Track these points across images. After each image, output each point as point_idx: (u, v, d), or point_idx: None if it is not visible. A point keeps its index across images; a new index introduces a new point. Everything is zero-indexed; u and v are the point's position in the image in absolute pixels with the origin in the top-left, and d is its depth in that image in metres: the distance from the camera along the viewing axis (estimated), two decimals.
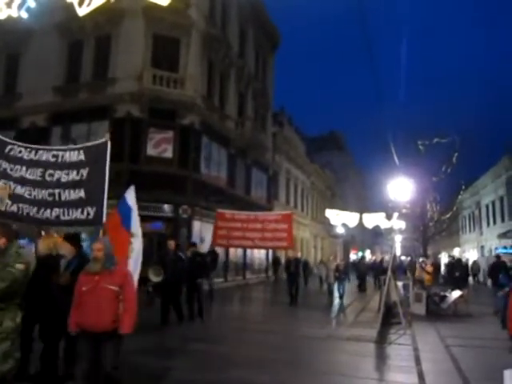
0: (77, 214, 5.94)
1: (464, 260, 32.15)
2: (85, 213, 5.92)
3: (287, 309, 13.88)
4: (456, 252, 50.15)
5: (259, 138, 25.97)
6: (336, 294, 15.46)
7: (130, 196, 6.24)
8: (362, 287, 20.61)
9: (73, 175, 6.08)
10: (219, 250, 15.95)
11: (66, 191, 6.04)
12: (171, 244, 9.61)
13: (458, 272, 19.03)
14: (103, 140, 6.17)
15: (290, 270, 15.13)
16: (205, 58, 20.40)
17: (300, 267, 16.02)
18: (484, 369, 6.66)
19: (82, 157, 6.15)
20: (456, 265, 20.69)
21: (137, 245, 5.96)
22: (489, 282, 18.65)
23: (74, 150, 6.28)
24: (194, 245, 11.13)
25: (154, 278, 9.44)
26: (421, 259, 23.63)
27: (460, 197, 31.93)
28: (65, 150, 6.28)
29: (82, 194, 5.98)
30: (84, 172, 6.06)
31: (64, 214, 5.96)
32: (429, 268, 16.31)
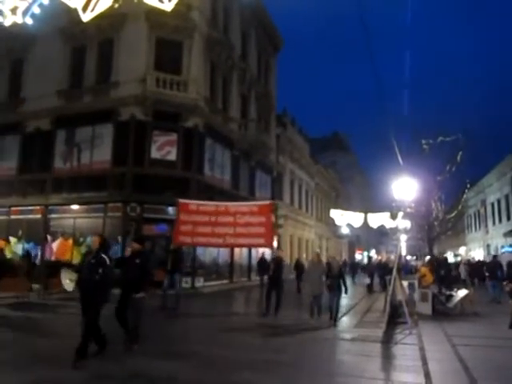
0: None
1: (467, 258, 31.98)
2: None
3: (286, 311, 12.05)
4: (462, 251, 49.96)
5: (263, 140, 25.99)
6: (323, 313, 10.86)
7: None
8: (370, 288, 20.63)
9: None
10: (184, 248, 14.14)
11: None
12: (95, 241, 6.71)
13: (443, 271, 18.73)
14: None
15: (269, 273, 12.02)
16: (207, 60, 20.47)
17: (282, 269, 12.28)
18: (491, 368, 6.62)
19: None
20: (439, 264, 20.45)
21: None
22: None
23: None
24: (140, 241, 7.63)
25: (67, 285, 7.69)
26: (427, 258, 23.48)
27: (465, 195, 31.78)
28: None
29: None
30: None
31: None
32: (423, 269, 15.95)
